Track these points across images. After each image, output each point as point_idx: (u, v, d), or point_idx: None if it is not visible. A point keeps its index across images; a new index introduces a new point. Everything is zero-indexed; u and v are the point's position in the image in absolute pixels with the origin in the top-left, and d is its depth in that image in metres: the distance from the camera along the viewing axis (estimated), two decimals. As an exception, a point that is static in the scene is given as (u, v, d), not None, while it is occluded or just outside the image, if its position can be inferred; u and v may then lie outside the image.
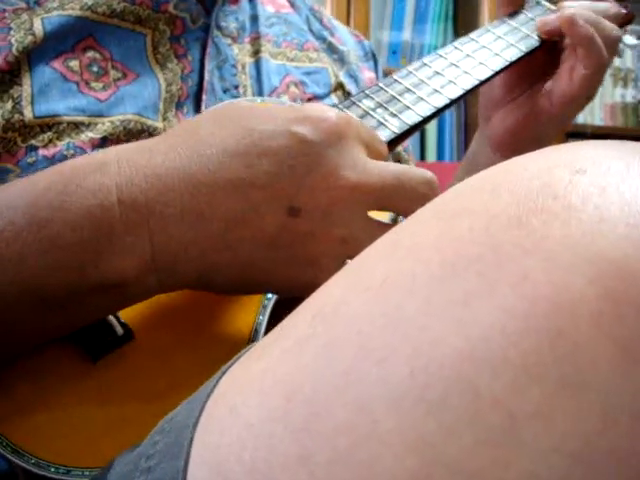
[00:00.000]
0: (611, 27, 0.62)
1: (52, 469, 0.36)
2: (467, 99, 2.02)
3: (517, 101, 0.67)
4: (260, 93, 0.60)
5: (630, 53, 2.28)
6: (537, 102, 0.65)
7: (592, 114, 2.22)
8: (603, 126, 2.21)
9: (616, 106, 2.25)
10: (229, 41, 0.60)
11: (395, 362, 0.21)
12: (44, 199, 0.38)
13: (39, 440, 0.37)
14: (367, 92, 0.53)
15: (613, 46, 0.62)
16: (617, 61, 2.27)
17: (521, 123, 0.66)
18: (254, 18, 0.64)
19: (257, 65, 0.61)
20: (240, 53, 0.60)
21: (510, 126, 0.66)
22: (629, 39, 0.68)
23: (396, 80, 0.55)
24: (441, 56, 0.59)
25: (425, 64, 0.57)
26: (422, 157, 2.00)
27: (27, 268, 0.37)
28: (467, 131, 2.05)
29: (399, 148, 0.70)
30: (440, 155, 2.03)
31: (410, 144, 0.76)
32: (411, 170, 0.42)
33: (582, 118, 2.18)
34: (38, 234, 0.37)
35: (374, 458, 0.21)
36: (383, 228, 0.41)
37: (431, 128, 2.02)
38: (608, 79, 2.26)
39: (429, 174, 0.43)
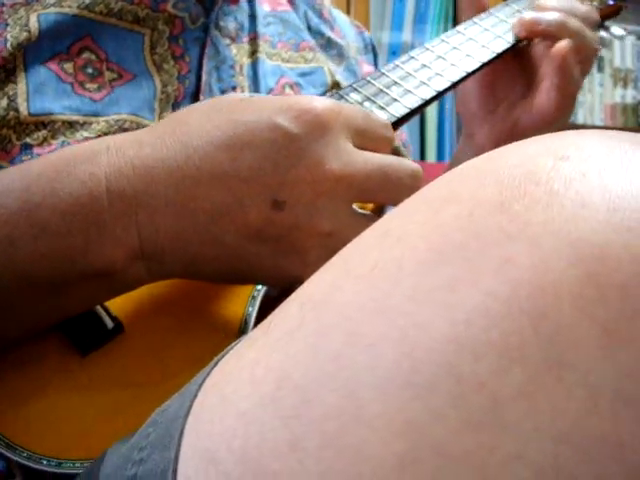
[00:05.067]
0: (592, 38, 0.60)
1: (44, 462, 0.36)
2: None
3: (498, 114, 0.65)
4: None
5: (630, 54, 2.28)
6: (519, 118, 0.63)
7: (592, 114, 2.21)
8: (603, 126, 2.21)
9: (616, 106, 2.25)
10: (228, 41, 0.59)
11: (382, 347, 0.22)
12: (36, 185, 0.38)
13: (31, 434, 0.38)
14: (355, 85, 0.54)
15: (591, 59, 0.61)
16: (617, 61, 2.27)
17: (506, 138, 0.64)
18: (252, 17, 0.64)
19: (254, 66, 0.61)
20: (238, 54, 0.60)
21: (496, 141, 0.65)
22: (616, 30, 0.68)
23: (383, 73, 0.55)
24: (428, 49, 0.59)
25: (412, 57, 0.58)
26: (422, 157, 2.00)
27: (17, 252, 0.37)
28: (467, 131, 2.04)
29: (398, 142, 0.70)
30: (440, 155, 2.03)
31: (410, 144, 0.76)
32: (397, 161, 0.42)
33: (582, 118, 2.18)
34: (28, 219, 0.37)
35: (362, 443, 0.21)
36: (368, 220, 0.41)
37: (431, 128, 2.02)
38: (608, 79, 2.26)
39: (415, 166, 0.43)
